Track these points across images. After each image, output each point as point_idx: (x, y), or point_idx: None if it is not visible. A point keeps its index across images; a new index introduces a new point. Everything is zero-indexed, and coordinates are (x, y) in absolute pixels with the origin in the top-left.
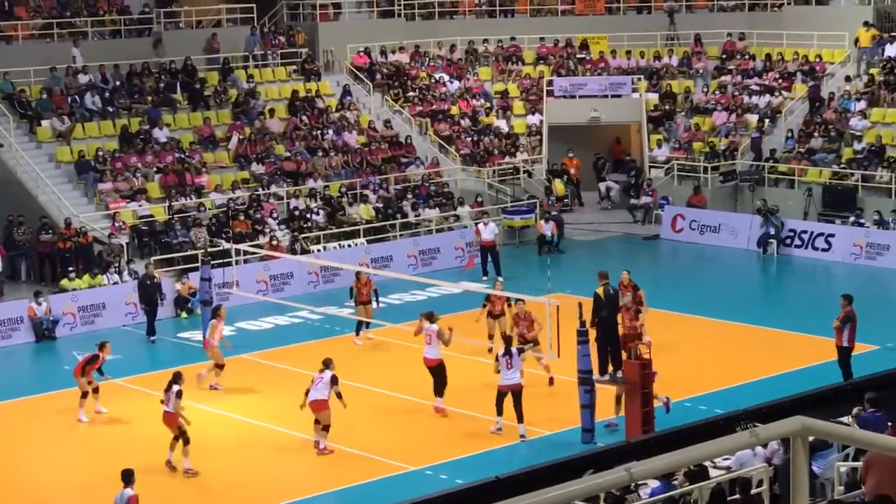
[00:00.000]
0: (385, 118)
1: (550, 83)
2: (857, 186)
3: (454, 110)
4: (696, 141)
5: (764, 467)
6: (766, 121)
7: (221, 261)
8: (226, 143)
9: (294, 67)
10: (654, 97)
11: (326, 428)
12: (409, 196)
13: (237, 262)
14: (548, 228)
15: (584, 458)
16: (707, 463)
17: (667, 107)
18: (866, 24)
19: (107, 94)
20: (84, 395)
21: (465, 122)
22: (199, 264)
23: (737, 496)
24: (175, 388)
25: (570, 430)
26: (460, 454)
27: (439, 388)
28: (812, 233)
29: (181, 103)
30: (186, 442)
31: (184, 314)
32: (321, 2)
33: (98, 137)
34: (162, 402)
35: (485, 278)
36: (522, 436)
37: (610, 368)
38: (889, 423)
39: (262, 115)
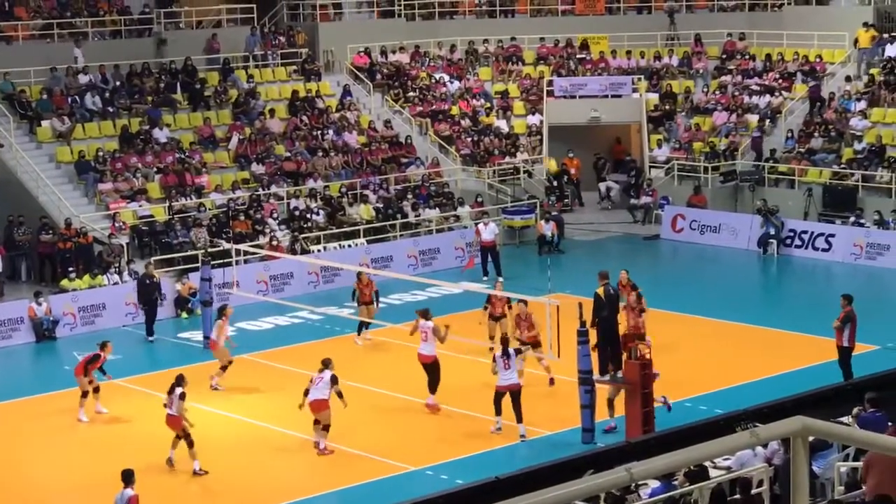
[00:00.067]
0: (385, 118)
1: (550, 83)
2: (858, 186)
3: (454, 110)
4: (697, 141)
5: (764, 467)
6: (767, 121)
7: (222, 261)
8: (226, 143)
9: (294, 68)
10: (654, 97)
11: (327, 428)
12: (410, 196)
13: (237, 263)
14: (548, 228)
15: (585, 459)
16: (707, 463)
17: (667, 107)
18: (865, 24)
19: (107, 95)
20: (84, 394)
21: (466, 123)
22: (199, 264)
23: (737, 496)
24: (178, 390)
25: (571, 431)
26: (460, 454)
27: (433, 385)
28: (812, 233)
29: (181, 103)
30: (191, 444)
31: (184, 314)
32: (321, 2)
33: (98, 138)
34: (165, 405)
35: (485, 278)
36: (522, 436)
37: (610, 368)
38: (889, 423)
39: (263, 116)
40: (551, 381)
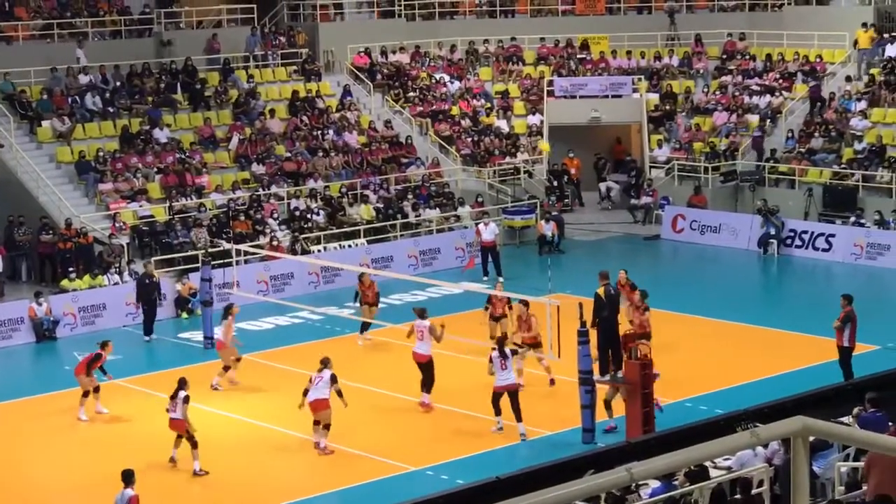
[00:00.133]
0: (385, 118)
1: (551, 83)
2: (858, 186)
3: (455, 110)
4: (697, 141)
5: (764, 467)
6: (767, 121)
7: (222, 261)
8: (226, 143)
9: (294, 68)
10: (654, 97)
11: (327, 427)
12: (410, 196)
13: (238, 263)
14: (548, 228)
15: (585, 459)
16: (707, 463)
17: (667, 107)
18: (865, 25)
19: (107, 95)
20: (85, 394)
21: (466, 123)
22: (199, 265)
23: (737, 496)
24: (182, 393)
25: (571, 431)
26: (461, 454)
27: (427, 384)
28: (812, 233)
29: (182, 104)
30: (195, 445)
31: (184, 314)
32: (322, 2)
33: (98, 138)
34: (167, 409)
35: (485, 278)
36: (523, 435)
37: (611, 369)
38: (890, 423)
39: (263, 116)
40: (552, 382)
